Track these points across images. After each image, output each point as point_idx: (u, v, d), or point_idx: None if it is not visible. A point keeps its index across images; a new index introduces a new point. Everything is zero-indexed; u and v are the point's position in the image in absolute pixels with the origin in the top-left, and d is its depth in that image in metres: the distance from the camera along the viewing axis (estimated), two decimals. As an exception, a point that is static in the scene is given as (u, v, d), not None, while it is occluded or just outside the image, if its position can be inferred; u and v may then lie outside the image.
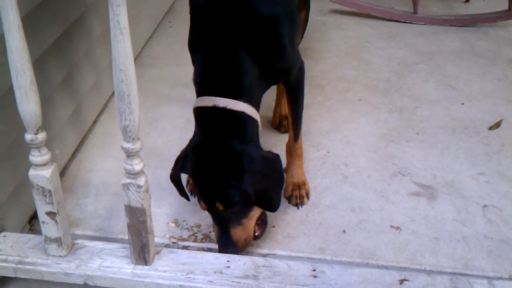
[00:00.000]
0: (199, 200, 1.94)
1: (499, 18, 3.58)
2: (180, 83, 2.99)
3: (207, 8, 1.94)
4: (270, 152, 1.97)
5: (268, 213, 2.03)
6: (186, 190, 2.27)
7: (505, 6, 3.57)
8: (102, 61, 2.69)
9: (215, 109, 1.87)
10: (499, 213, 2.18)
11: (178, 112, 2.78)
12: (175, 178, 2.01)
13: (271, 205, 1.93)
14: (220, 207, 1.87)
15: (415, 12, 3.64)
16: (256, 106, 1.96)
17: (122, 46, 1.44)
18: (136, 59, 3.22)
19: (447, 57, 3.27)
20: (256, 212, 1.95)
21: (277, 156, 1.96)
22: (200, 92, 1.94)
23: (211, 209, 1.91)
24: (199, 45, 1.95)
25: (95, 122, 2.71)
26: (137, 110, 1.54)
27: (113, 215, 2.20)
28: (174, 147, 2.53)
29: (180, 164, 1.96)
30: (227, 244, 1.91)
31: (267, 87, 2.07)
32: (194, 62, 2.02)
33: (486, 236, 2.07)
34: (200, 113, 1.93)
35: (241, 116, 1.89)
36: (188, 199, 2.10)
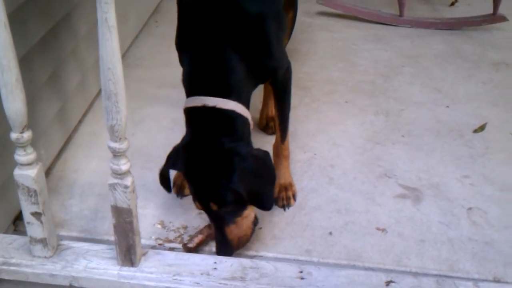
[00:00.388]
0: (194, 200, 1.94)
1: (484, 22, 3.61)
2: (166, 84, 2.98)
3: (195, 7, 1.93)
4: (260, 150, 1.96)
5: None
6: (172, 192, 2.26)
7: (490, 10, 3.60)
8: (88, 60, 2.67)
9: (205, 108, 1.87)
10: (484, 216, 2.19)
11: (164, 113, 2.76)
12: (164, 174, 2.01)
13: (264, 203, 1.92)
14: (213, 206, 1.87)
15: (401, 15, 3.66)
16: (246, 104, 1.96)
17: (110, 45, 1.43)
18: (122, 59, 3.18)
19: (432, 60, 3.30)
20: (250, 211, 1.95)
21: (267, 154, 1.96)
22: (189, 92, 1.94)
23: (205, 208, 1.91)
24: (187, 44, 1.94)
25: (80, 122, 2.69)
26: (124, 109, 1.53)
27: (98, 216, 2.18)
28: (160, 148, 2.52)
29: (172, 161, 1.96)
30: (222, 242, 1.91)
31: (255, 86, 2.07)
32: (181, 61, 2.01)
33: (471, 239, 2.09)
34: (190, 114, 1.92)
35: (231, 115, 1.88)
36: (168, 190, 2.08)
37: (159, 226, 2.14)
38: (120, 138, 1.56)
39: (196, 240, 2.02)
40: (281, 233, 2.11)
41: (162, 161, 2.43)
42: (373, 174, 2.40)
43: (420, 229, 2.13)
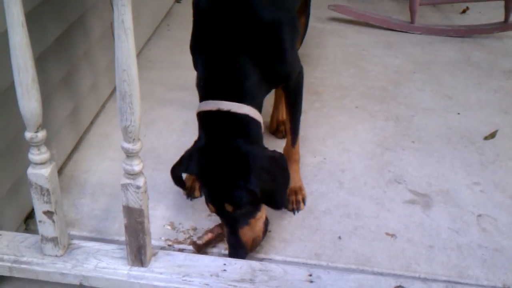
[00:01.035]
0: (207, 203, 1.94)
1: (495, 30, 3.61)
2: (177, 86, 2.99)
3: (211, 13, 1.95)
4: (275, 151, 1.98)
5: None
6: (183, 193, 2.27)
7: (501, 17, 3.60)
8: (101, 62, 2.69)
9: (219, 112, 1.88)
10: (494, 223, 2.19)
11: (175, 115, 2.78)
12: (176, 174, 2.02)
13: (277, 203, 1.93)
14: (229, 208, 1.87)
15: (412, 21, 3.66)
16: (259, 109, 1.97)
17: (126, 46, 1.44)
18: (134, 61, 3.21)
19: (443, 67, 3.29)
20: (263, 213, 1.96)
21: (282, 155, 1.99)
22: (203, 96, 1.95)
23: (219, 211, 1.91)
24: (202, 49, 1.96)
25: (92, 122, 2.71)
26: (138, 110, 1.54)
27: (109, 216, 2.19)
28: (171, 149, 2.53)
29: (185, 164, 1.96)
30: (236, 245, 1.91)
31: (268, 91, 2.08)
32: (196, 65, 2.03)
33: (481, 245, 2.08)
34: (204, 117, 1.93)
35: (245, 119, 1.90)
36: (184, 188, 2.12)
37: (169, 227, 2.15)
38: (134, 139, 1.57)
39: (206, 237, 2.02)
40: (290, 236, 2.12)
41: (172, 163, 2.45)
42: (383, 179, 2.40)
43: (430, 235, 2.13)
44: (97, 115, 2.75)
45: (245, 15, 1.91)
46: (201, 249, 2.01)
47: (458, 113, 2.86)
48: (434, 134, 2.70)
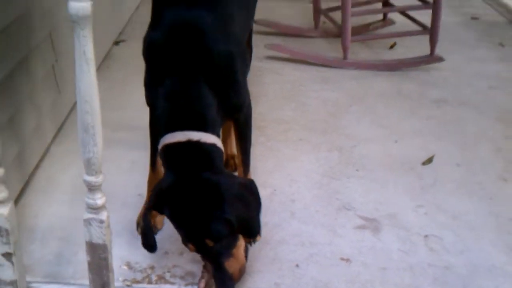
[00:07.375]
0: (185, 243, 1.90)
1: (422, 63, 3.82)
2: (122, 127, 2.96)
3: (165, 47, 1.97)
4: (245, 178, 2.00)
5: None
6: (138, 233, 2.23)
7: (426, 51, 3.83)
8: (44, 105, 2.65)
9: (189, 143, 1.88)
10: (440, 242, 2.28)
11: (122, 155, 2.75)
12: (147, 231, 1.97)
13: (253, 231, 1.93)
14: (210, 243, 1.84)
15: (345, 58, 3.82)
16: (219, 138, 2.00)
17: (88, 77, 1.44)
18: (74, 105, 3.18)
19: (377, 99, 3.45)
20: (242, 241, 1.94)
21: (252, 181, 2.01)
22: (167, 128, 1.93)
23: (200, 248, 1.87)
24: (159, 82, 1.97)
25: (37, 167, 2.64)
26: (100, 142, 1.54)
27: (62, 260, 2.13)
28: (120, 189, 2.50)
29: (156, 204, 1.91)
30: (223, 279, 1.88)
31: (224, 121, 2.12)
32: (153, 100, 2.04)
33: (430, 264, 2.16)
34: (172, 150, 1.91)
35: (213, 149, 1.92)
36: (152, 250, 2.01)
37: (126, 267, 2.11)
38: (96, 172, 1.56)
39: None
40: (249, 268, 2.11)
41: (122, 202, 2.42)
42: (332, 207, 2.47)
43: (382, 258, 2.19)
44: (42, 159, 2.69)
45: (201, 49, 1.95)
46: None
47: (396, 141, 2.99)
48: (376, 162, 2.81)
